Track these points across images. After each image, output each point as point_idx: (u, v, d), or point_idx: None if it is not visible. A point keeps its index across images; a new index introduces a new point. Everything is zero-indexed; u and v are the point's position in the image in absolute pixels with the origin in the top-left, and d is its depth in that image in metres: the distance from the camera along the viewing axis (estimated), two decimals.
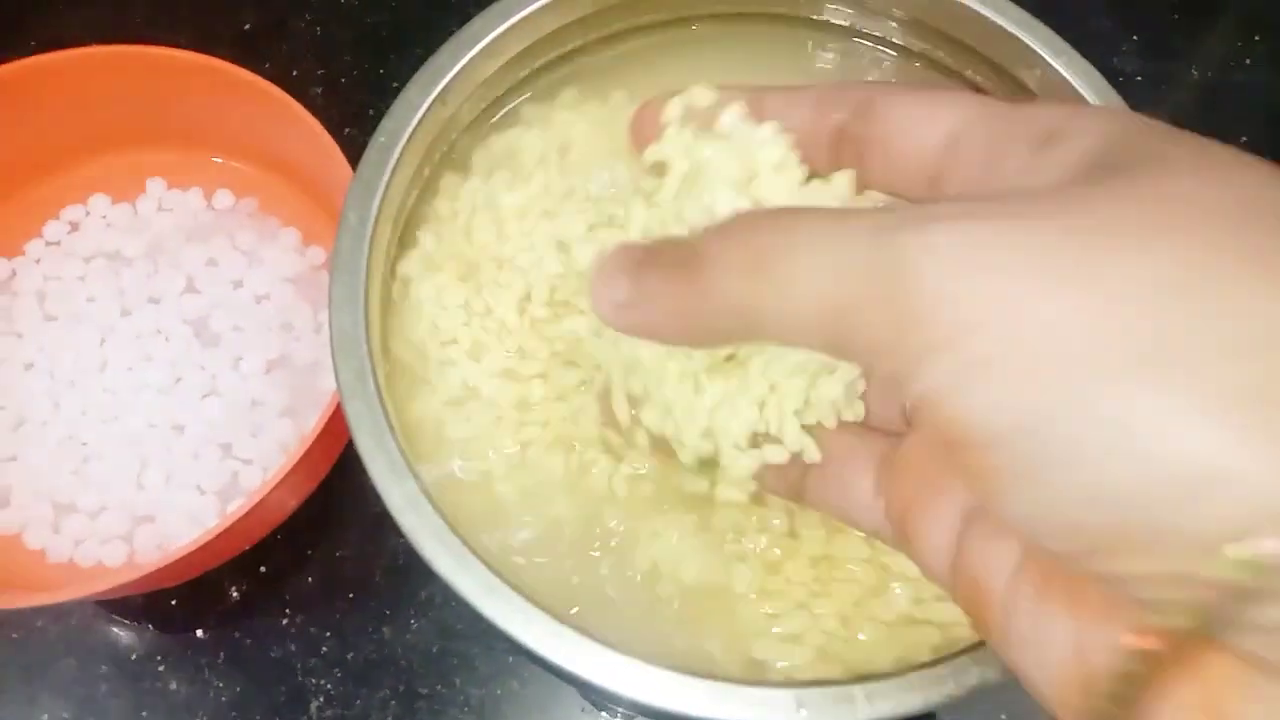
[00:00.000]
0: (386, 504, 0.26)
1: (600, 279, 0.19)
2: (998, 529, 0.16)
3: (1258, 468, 0.12)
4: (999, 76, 0.31)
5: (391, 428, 0.27)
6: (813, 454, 0.21)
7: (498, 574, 0.25)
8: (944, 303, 0.13)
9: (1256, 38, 0.48)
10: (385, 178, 0.30)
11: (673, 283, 0.17)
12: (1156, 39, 0.48)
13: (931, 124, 0.18)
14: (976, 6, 0.30)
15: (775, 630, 0.26)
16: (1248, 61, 0.47)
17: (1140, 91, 0.46)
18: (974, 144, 0.18)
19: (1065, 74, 0.30)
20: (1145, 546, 0.13)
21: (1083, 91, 0.29)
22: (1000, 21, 0.30)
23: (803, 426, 0.22)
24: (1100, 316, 0.13)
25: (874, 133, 0.19)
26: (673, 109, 0.23)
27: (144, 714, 0.36)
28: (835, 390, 0.21)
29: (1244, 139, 0.45)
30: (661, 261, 0.17)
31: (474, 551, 0.26)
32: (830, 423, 0.22)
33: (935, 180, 0.19)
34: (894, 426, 0.22)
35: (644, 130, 0.23)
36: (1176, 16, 0.48)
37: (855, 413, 0.21)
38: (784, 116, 0.21)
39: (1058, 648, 0.15)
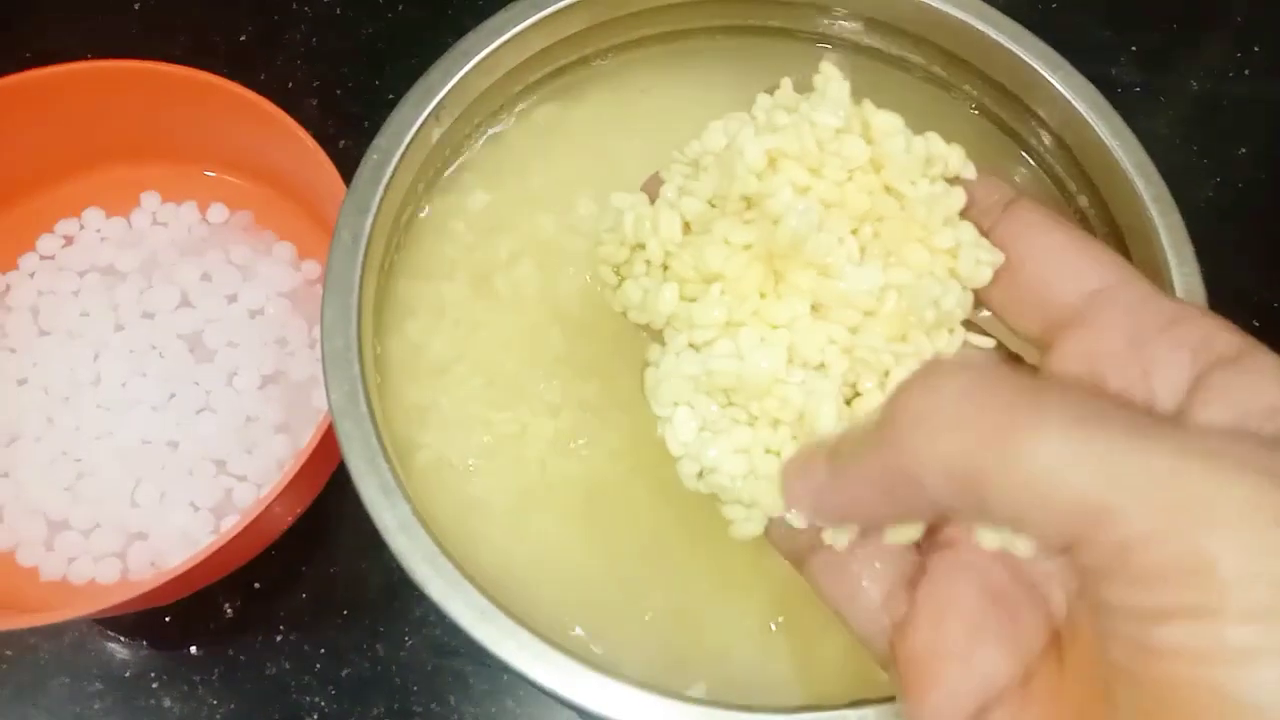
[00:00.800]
0: (378, 526, 0.26)
1: (793, 469, 0.19)
2: None
3: None
4: (999, 93, 0.31)
5: (384, 448, 0.27)
6: (840, 540, 0.19)
7: (490, 598, 0.25)
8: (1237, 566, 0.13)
9: (1256, 48, 0.47)
10: (378, 196, 0.30)
11: (868, 449, 0.16)
12: (1155, 50, 0.47)
13: (1076, 278, 0.19)
14: (975, 23, 0.30)
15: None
16: (1246, 72, 0.47)
17: (1139, 103, 0.46)
18: (1119, 319, 0.18)
19: (1062, 89, 0.30)
20: None
21: (1079, 107, 0.29)
22: (999, 38, 0.30)
23: None
24: None
25: (1006, 246, 0.20)
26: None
27: None
28: None
29: (1243, 150, 0.44)
30: (848, 452, 0.17)
31: (466, 575, 0.25)
32: None
33: (1054, 331, 0.19)
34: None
35: None
36: (1175, 27, 0.48)
37: (911, 534, 0.19)
38: None
39: None
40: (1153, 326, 0.17)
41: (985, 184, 0.21)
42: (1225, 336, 0.17)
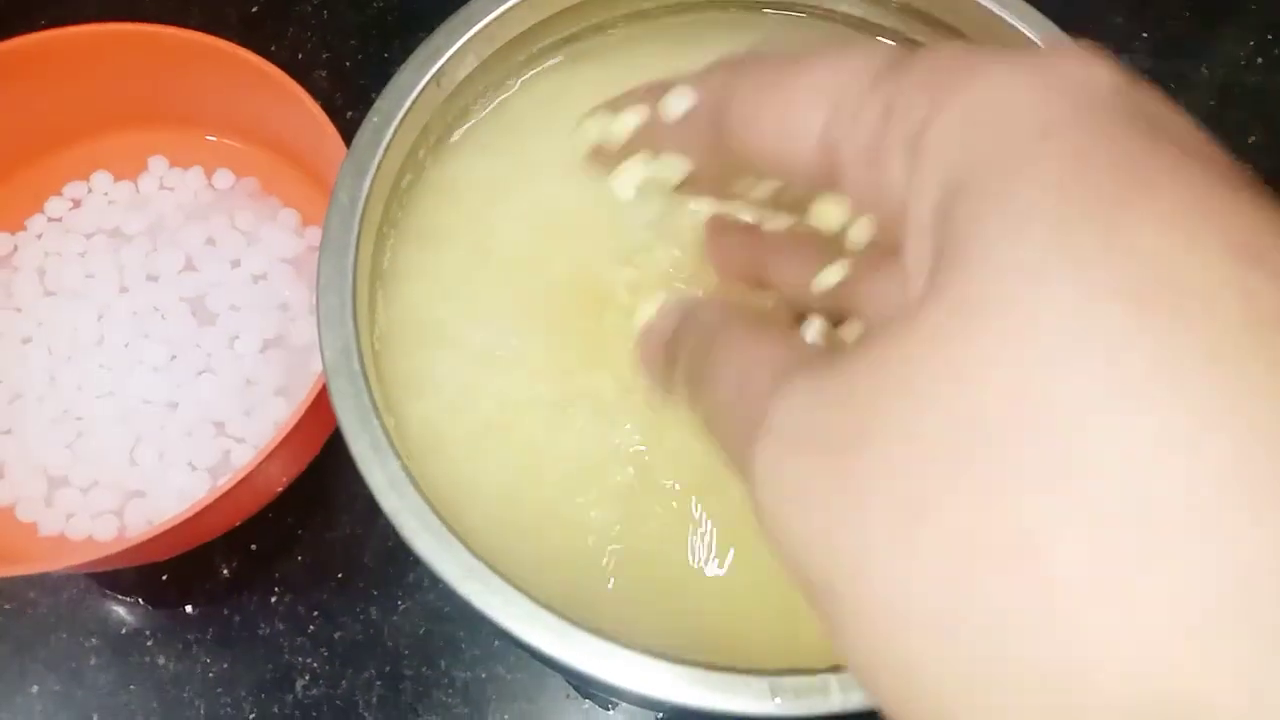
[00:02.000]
0: (368, 483, 0.26)
1: (643, 354, 0.20)
2: None
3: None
4: None
5: (376, 406, 0.27)
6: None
7: (480, 557, 0.25)
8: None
9: (1270, 38, 0.47)
10: (377, 158, 0.30)
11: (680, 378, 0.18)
12: (1169, 37, 0.47)
13: (791, 137, 0.15)
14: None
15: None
16: (1260, 62, 0.46)
17: None
18: (855, 154, 0.14)
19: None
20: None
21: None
22: (996, 10, 0.30)
23: None
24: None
25: (738, 144, 0.16)
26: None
27: (132, 688, 0.36)
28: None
29: (1252, 139, 0.44)
30: (678, 353, 0.18)
31: (456, 533, 0.26)
32: None
33: (832, 182, 0.15)
34: None
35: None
36: (1189, 15, 0.48)
37: None
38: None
39: None
40: (880, 137, 0.13)
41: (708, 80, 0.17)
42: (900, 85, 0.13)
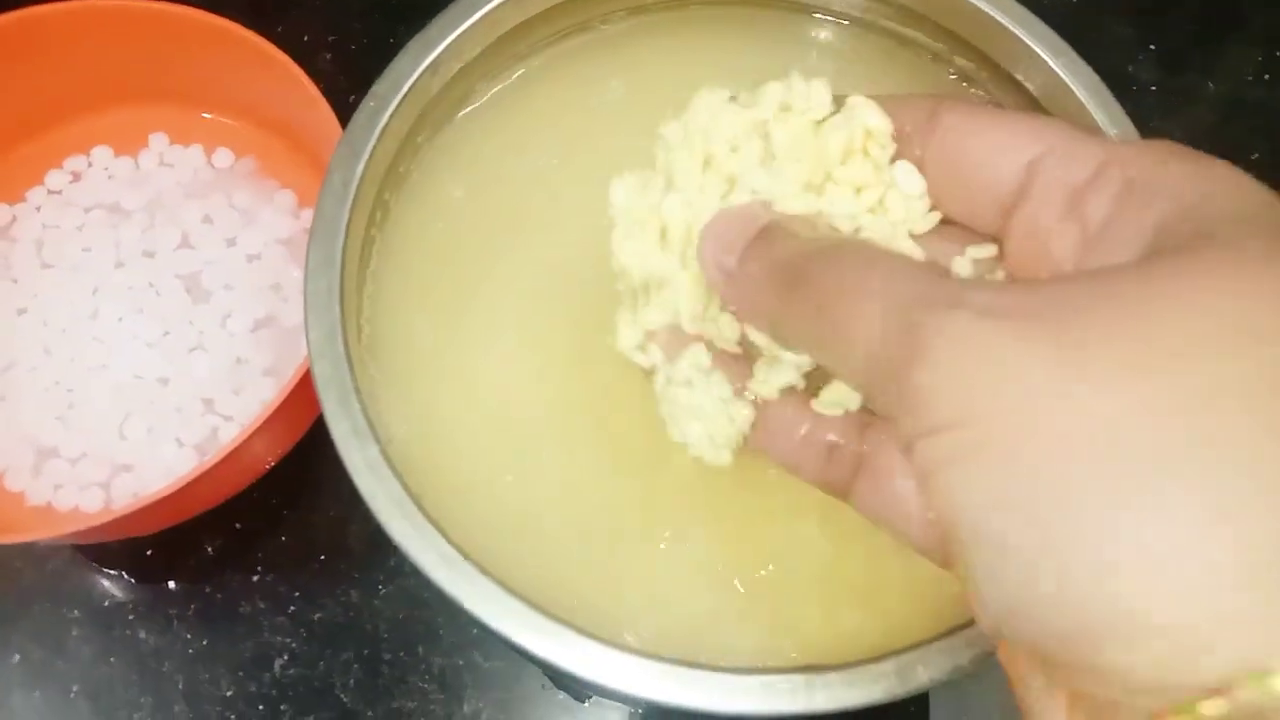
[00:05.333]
0: (346, 465, 0.26)
1: (715, 238, 0.19)
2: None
3: (1241, 637, 0.12)
4: (995, 73, 0.31)
5: (358, 390, 0.27)
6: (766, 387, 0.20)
7: (455, 545, 0.25)
8: (939, 395, 0.14)
9: (1276, 54, 0.47)
10: (372, 142, 0.30)
11: (770, 287, 0.17)
12: (1174, 50, 0.47)
13: (1010, 153, 0.17)
14: (978, 1, 0.30)
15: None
16: (1266, 77, 0.46)
17: (1154, 102, 0.46)
18: (1054, 183, 0.17)
19: (1063, 75, 0.29)
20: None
21: (1078, 94, 0.29)
22: (1000, 19, 0.30)
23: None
24: (1105, 432, 0.13)
25: (942, 152, 0.19)
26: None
27: (112, 660, 0.36)
28: None
29: (1255, 155, 0.44)
30: (769, 255, 0.18)
31: (432, 520, 0.26)
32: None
33: (1008, 212, 0.18)
34: None
35: None
36: (1195, 28, 0.47)
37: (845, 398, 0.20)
38: None
39: None
40: (1082, 178, 0.16)
41: (907, 105, 0.20)
42: (1138, 159, 0.16)
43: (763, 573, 0.27)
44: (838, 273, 0.16)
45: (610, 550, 0.28)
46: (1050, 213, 0.17)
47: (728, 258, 0.19)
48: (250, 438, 0.32)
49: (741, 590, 0.27)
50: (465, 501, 0.28)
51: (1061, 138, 0.17)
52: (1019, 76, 0.30)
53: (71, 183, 0.41)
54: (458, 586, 0.25)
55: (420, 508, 0.26)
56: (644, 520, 0.28)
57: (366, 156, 0.30)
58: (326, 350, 0.27)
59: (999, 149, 0.18)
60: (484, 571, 0.25)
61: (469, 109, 0.33)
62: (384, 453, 0.26)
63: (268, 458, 0.36)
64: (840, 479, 0.20)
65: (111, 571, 0.38)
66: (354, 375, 0.27)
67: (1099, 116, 0.28)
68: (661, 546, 0.28)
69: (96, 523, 0.31)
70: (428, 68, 0.31)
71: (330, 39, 0.47)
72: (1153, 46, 0.47)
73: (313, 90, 0.36)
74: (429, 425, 0.29)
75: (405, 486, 0.26)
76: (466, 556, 0.25)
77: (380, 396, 0.29)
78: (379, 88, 0.31)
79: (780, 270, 0.17)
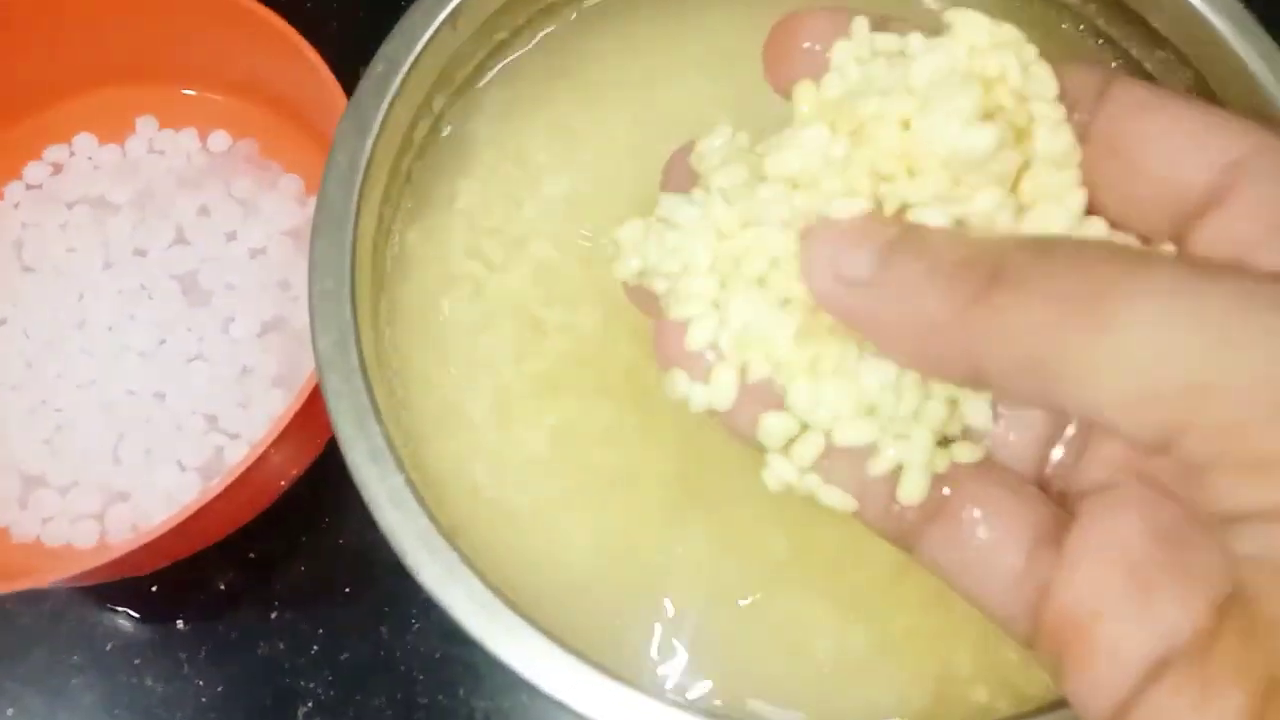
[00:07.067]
0: (365, 498, 0.22)
1: (828, 242, 0.16)
2: None
3: None
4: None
5: (375, 407, 0.23)
6: (972, 455, 0.16)
7: (494, 589, 0.22)
8: None
9: None
10: (381, 113, 0.26)
11: (950, 287, 0.14)
12: None
13: (1202, 152, 0.15)
14: None
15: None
16: None
17: None
18: (1262, 194, 0.15)
19: (1245, 58, 0.25)
20: None
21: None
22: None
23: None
24: None
25: (1110, 131, 0.16)
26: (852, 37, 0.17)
27: (118, 712, 0.33)
28: (981, 414, 0.17)
29: None
30: (938, 254, 0.14)
31: (465, 558, 0.22)
32: (968, 456, 0.17)
33: (1186, 220, 0.15)
34: (1053, 485, 0.17)
35: (787, 60, 0.17)
36: None
37: (972, 453, 0.17)
38: None
39: None
40: None
41: (1074, 72, 0.17)
42: None
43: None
44: (1081, 265, 0.13)
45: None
46: (1254, 227, 0.15)
47: (858, 257, 0.15)
48: (260, 458, 0.29)
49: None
50: (507, 541, 0.24)
51: (1258, 142, 0.15)
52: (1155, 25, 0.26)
53: (52, 175, 0.38)
54: (496, 638, 0.21)
55: (453, 544, 0.22)
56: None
57: (376, 130, 0.26)
58: (337, 361, 0.23)
59: (1187, 143, 0.15)
60: (524, 615, 0.21)
61: (500, 64, 0.29)
62: (409, 481, 0.22)
63: (281, 479, 0.32)
64: (908, 524, 0.17)
65: (114, 610, 0.34)
66: (371, 391, 0.23)
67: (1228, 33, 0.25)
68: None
69: (90, 565, 0.28)
70: (445, 21, 0.27)
71: (335, 5, 0.43)
72: None
73: (316, 60, 0.33)
74: (465, 446, 0.25)
75: (435, 521, 0.22)
76: (512, 606, 0.21)
77: (404, 415, 0.25)
78: (388, 48, 0.27)
79: (966, 268, 0.14)
